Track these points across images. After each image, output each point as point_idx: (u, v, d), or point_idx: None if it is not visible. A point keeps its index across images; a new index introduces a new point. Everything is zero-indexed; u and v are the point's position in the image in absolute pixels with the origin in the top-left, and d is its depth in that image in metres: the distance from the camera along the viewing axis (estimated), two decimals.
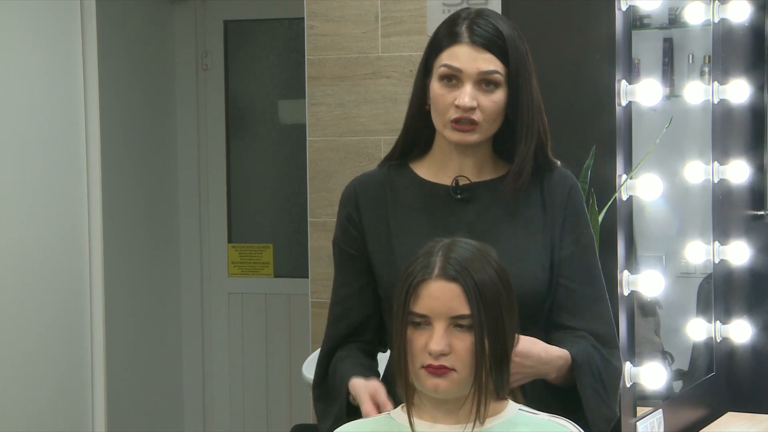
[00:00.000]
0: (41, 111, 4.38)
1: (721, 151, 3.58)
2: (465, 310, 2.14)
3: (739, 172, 3.59)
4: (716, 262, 3.60)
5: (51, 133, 4.42)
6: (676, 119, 3.28)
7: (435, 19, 3.92)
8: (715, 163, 3.55)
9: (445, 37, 2.44)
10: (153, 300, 5.47)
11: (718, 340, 3.61)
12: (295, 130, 5.42)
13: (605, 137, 2.95)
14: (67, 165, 4.49)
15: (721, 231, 3.60)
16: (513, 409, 2.24)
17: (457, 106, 2.41)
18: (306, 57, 4.28)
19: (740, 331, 3.61)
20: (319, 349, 2.60)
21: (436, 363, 2.14)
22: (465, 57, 2.41)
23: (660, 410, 3.17)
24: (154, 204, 5.49)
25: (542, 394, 2.42)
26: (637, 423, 3.04)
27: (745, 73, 3.62)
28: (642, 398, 3.08)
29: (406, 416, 2.21)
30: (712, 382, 3.57)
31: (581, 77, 2.97)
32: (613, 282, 2.92)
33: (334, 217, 2.62)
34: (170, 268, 5.61)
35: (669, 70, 3.75)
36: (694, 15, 3.49)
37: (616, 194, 2.95)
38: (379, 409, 2.35)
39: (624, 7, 2.96)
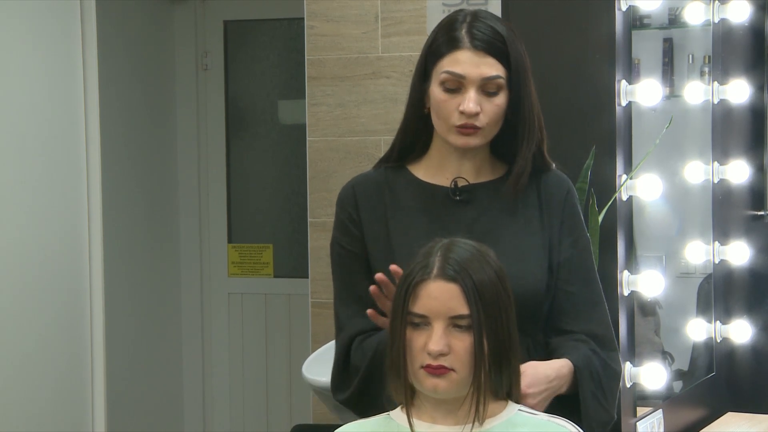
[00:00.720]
0: (41, 111, 4.38)
1: (721, 151, 3.58)
2: (464, 310, 2.14)
3: (739, 172, 3.59)
4: (716, 262, 3.59)
5: (51, 133, 4.42)
6: (676, 119, 3.28)
7: (435, 19, 3.91)
8: (715, 163, 3.55)
9: (444, 42, 2.43)
10: (153, 300, 5.47)
11: (718, 340, 3.61)
12: (295, 130, 5.42)
13: (605, 137, 2.95)
14: (67, 165, 4.49)
15: (721, 231, 3.60)
16: (512, 409, 2.24)
17: (462, 112, 2.40)
18: (306, 57, 4.27)
19: (740, 331, 3.61)
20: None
21: (435, 363, 2.14)
22: (467, 63, 2.40)
23: (660, 410, 3.17)
24: (154, 204, 5.49)
25: None
26: (637, 423, 3.04)
27: (745, 73, 3.61)
28: (642, 398, 3.08)
29: (405, 417, 2.21)
30: (712, 382, 3.57)
31: (581, 77, 2.97)
32: (613, 282, 2.92)
33: (333, 217, 2.61)
34: (170, 268, 5.60)
35: (669, 70, 3.75)
36: (694, 15, 3.49)
37: (616, 194, 2.95)
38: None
39: (624, 7, 2.96)
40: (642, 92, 2.99)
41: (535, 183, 2.50)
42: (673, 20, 3.69)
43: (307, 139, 4.29)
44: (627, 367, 2.97)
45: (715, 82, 3.55)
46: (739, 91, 3.57)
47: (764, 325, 3.63)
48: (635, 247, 3.14)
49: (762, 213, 3.68)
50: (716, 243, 3.58)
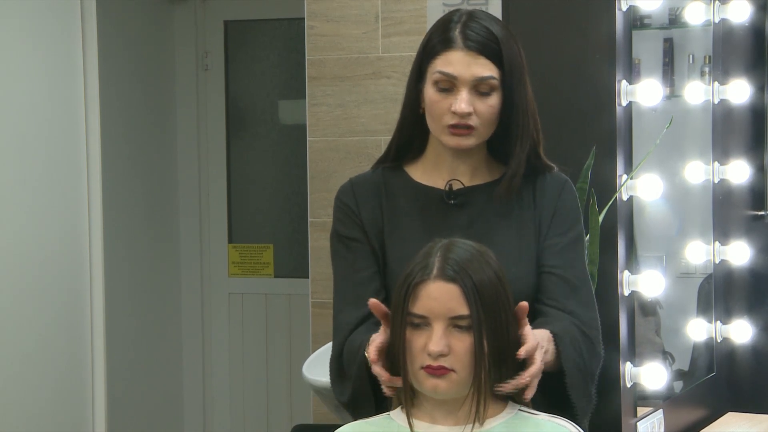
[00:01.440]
0: (41, 111, 4.38)
1: (721, 151, 3.58)
2: (464, 310, 2.14)
3: (739, 172, 3.59)
4: (716, 262, 3.59)
5: (51, 133, 4.42)
6: (676, 119, 3.27)
7: (435, 19, 3.88)
8: (716, 163, 3.55)
9: (438, 42, 2.42)
10: (153, 300, 5.47)
11: (719, 340, 3.61)
12: (295, 130, 5.42)
13: (605, 137, 2.94)
14: (67, 165, 4.49)
15: (722, 231, 3.60)
16: (512, 409, 2.24)
17: (454, 112, 2.40)
18: (306, 57, 4.28)
19: (740, 331, 3.61)
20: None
21: (435, 364, 2.14)
22: (459, 63, 2.40)
23: (660, 410, 3.17)
24: (154, 204, 5.49)
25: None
26: (638, 423, 3.03)
27: (746, 73, 3.61)
28: (642, 398, 3.08)
29: (405, 417, 2.21)
30: (712, 382, 3.57)
31: (581, 77, 2.97)
32: (613, 282, 2.92)
33: (333, 217, 2.61)
34: (170, 268, 5.61)
35: (669, 70, 3.74)
36: (695, 15, 3.49)
37: (617, 194, 2.95)
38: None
39: (624, 7, 2.96)
40: (642, 92, 2.98)
41: (531, 184, 2.50)
42: (674, 20, 3.69)
43: (308, 139, 4.29)
44: (627, 367, 2.97)
45: (716, 82, 3.55)
46: (739, 91, 3.57)
47: (765, 325, 3.63)
48: (636, 247, 3.14)
49: (762, 213, 3.68)
50: (717, 243, 3.58)
